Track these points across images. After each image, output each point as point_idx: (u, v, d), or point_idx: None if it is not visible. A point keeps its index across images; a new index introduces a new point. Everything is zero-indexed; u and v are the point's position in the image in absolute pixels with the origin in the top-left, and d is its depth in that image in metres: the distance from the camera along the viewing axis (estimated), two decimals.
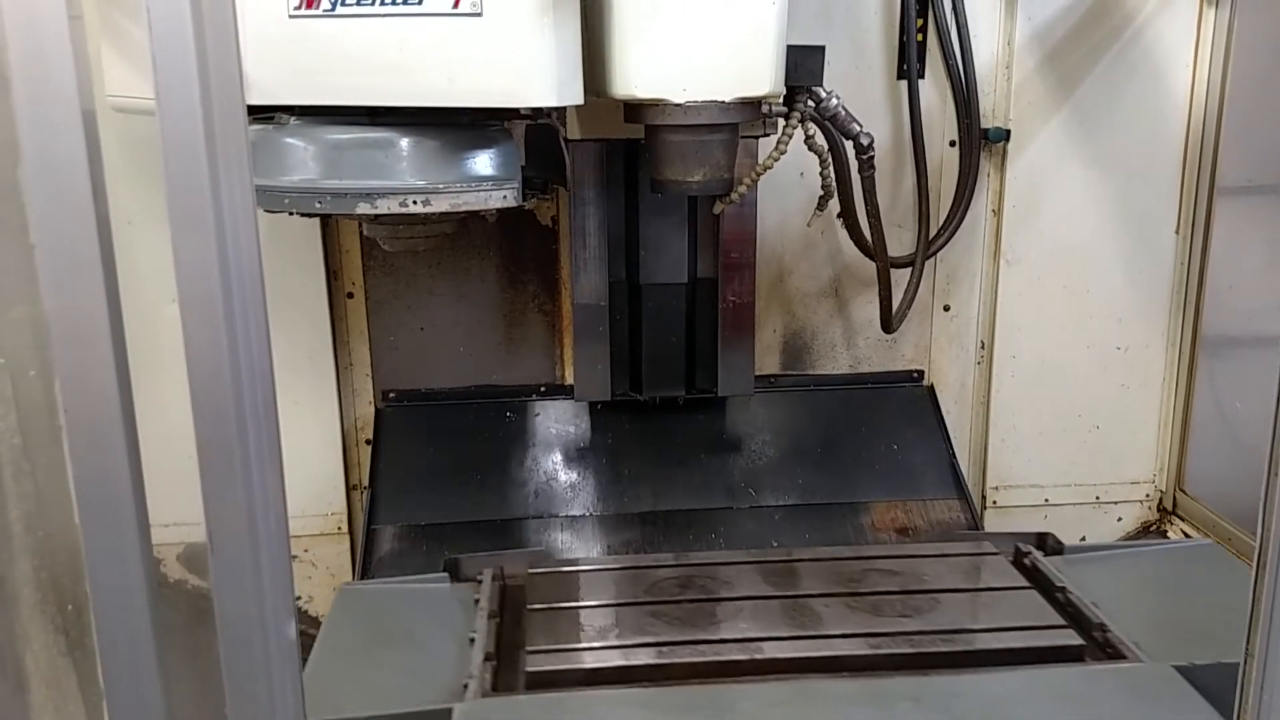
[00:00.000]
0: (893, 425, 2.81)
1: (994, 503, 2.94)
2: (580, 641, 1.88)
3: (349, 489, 2.79)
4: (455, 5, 1.69)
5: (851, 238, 2.60)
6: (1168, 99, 2.73)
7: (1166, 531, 2.94)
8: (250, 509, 1.00)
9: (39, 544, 1.12)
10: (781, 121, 2.13)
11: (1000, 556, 2.22)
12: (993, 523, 2.87)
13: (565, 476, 2.69)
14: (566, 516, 2.62)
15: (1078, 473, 2.94)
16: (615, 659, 1.83)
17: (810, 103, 2.12)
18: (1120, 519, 2.98)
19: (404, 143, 1.85)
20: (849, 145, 2.37)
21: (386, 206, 1.83)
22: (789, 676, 1.78)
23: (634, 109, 1.88)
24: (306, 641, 2.59)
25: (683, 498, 2.66)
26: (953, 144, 2.72)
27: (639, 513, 2.63)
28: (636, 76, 1.79)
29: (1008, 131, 2.71)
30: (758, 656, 1.82)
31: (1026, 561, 2.20)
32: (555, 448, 2.74)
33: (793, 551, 2.28)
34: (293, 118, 1.88)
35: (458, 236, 2.65)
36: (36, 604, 1.14)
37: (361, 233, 2.58)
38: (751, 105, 1.89)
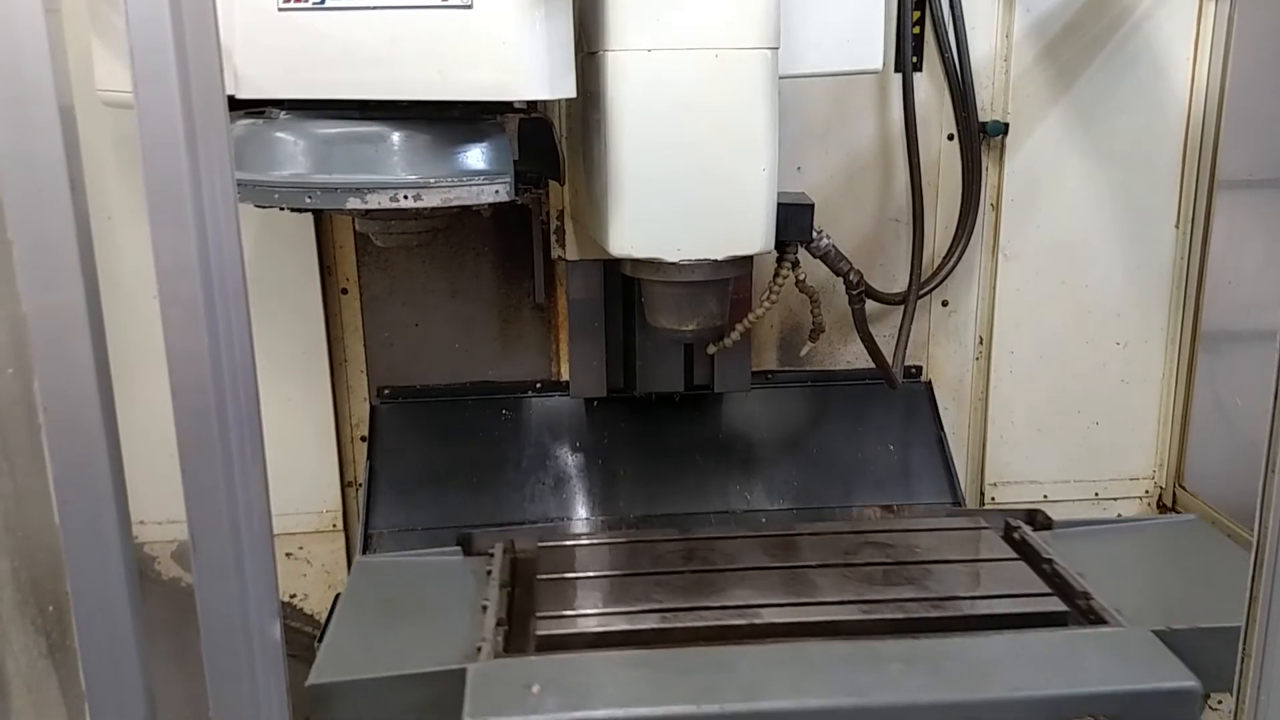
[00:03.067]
0: (890, 421, 2.80)
1: (992, 499, 2.92)
2: (588, 608, 1.96)
3: (344, 486, 2.78)
4: None
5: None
6: (1167, 92, 2.71)
7: None
8: (233, 508, 0.99)
9: (18, 544, 1.11)
10: (774, 265, 2.18)
11: (991, 531, 2.30)
12: None
13: (561, 473, 2.68)
14: (562, 514, 2.61)
15: (1076, 469, 2.93)
16: (621, 624, 1.90)
17: (801, 248, 2.18)
18: (1120, 515, 2.96)
19: (395, 137, 1.83)
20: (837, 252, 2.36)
21: (377, 201, 1.81)
22: (786, 640, 1.85)
23: (630, 262, 1.95)
24: (303, 640, 2.61)
25: (678, 494, 2.64)
26: (950, 137, 2.70)
27: (634, 510, 2.61)
28: (631, 238, 1.84)
29: (1006, 125, 2.69)
30: (756, 621, 1.90)
31: (1016, 536, 2.27)
32: (551, 444, 2.73)
33: (792, 526, 2.36)
34: (282, 112, 1.86)
35: (452, 232, 2.63)
36: (16, 605, 1.12)
37: (355, 228, 2.56)
38: (744, 260, 1.95)
